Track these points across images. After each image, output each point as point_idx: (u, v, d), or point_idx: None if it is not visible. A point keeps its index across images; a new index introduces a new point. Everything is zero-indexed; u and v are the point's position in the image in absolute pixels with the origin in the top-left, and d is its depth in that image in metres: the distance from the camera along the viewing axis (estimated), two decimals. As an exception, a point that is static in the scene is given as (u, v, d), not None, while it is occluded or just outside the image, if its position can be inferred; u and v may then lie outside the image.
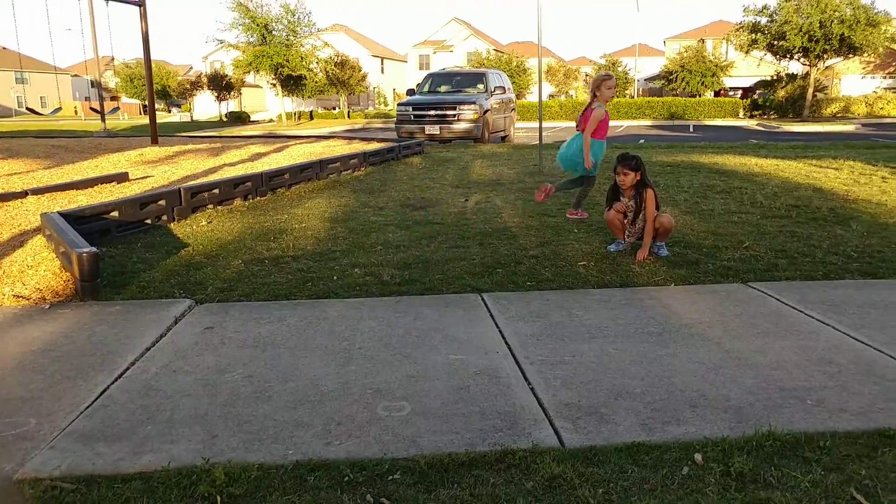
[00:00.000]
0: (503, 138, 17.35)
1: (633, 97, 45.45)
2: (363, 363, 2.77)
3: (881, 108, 34.56)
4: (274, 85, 39.75)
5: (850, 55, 31.85)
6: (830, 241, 4.82)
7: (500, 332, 3.12)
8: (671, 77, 41.79)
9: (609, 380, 2.59)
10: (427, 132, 15.14)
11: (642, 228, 4.45)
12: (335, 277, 4.03)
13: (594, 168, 5.56)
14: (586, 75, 52.39)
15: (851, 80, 42.60)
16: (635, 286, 3.87)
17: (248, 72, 39.18)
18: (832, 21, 28.89)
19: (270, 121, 44.27)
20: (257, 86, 55.30)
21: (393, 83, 61.83)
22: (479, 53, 51.94)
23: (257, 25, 35.96)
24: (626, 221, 4.56)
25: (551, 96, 51.48)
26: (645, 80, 54.38)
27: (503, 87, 17.23)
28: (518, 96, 37.66)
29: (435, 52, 61.32)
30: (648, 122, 32.54)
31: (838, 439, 2.12)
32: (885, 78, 43.04)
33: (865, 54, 32.37)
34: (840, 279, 3.98)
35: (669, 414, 2.31)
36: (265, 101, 58.96)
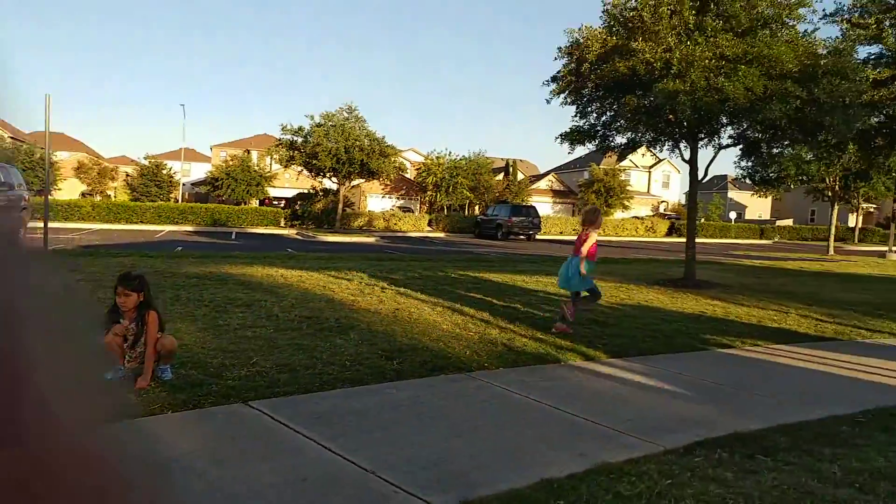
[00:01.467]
0: (11, 241, 14.74)
1: (177, 201, 44.63)
2: None
3: (395, 224, 41.86)
4: None
5: (371, 178, 37.97)
6: (330, 352, 5.33)
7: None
8: (217, 183, 42.69)
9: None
10: None
11: (143, 353, 4.18)
12: None
13: (589, 281, 6.89)
14: (126, 175, 49.44)
15: (375, 199, 50.78)
16: (134, 417, 3.53)
17: None
18: (354, 148, 34.17)
19: None
20: None
21: None
22: (-7, 139, 44.23)
23: None
24: (126, 345, 4.21)
25: (84, 195, 46.74)
26: (192, 184, 54.26)
27: (10, 184, 14.83)
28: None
29: (-75, 131, 49.67)
30: (191, 228, 32.11)
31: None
32: (398, 199, 52.68)
33: (382, 178, 39.04)
34: (333, 389, 4.39)
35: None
36: None
